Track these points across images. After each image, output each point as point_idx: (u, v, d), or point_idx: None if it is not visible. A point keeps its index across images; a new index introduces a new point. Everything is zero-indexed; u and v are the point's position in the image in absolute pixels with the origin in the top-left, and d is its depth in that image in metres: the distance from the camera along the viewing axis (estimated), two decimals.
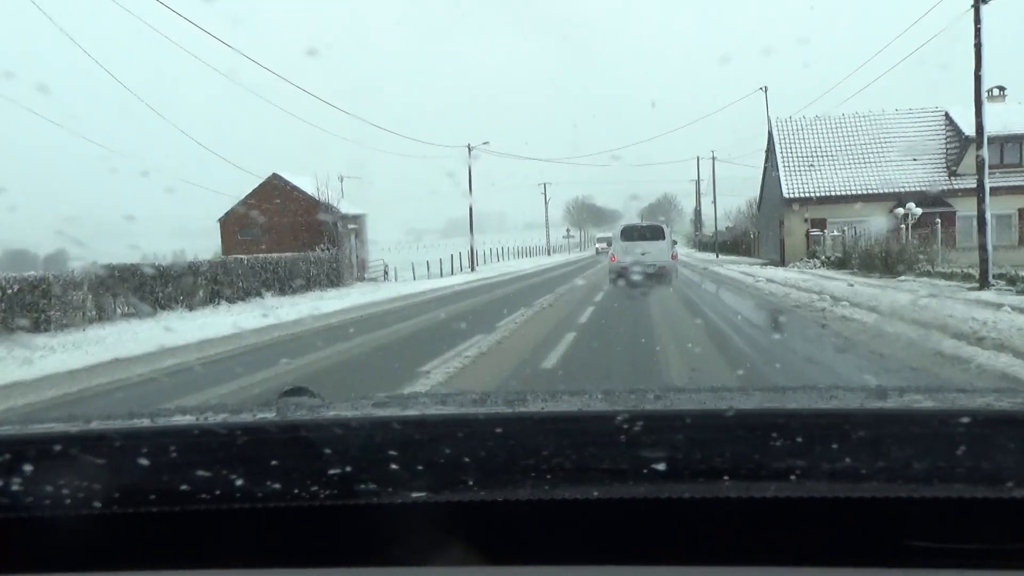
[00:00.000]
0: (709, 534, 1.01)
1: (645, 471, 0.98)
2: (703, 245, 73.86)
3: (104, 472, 1.02)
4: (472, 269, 51.60)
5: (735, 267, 34.16)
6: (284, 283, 29.70)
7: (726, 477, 0.98)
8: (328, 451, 1.03)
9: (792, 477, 0.97)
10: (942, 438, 0.98)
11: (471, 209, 56.12)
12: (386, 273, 42.90)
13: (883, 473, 0.96)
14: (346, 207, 39.02)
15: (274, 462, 1.02)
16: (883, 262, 24.28)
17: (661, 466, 0.97)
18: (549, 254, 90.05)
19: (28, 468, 1.02)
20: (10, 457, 1.04)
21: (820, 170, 38.01)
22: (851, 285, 19.03)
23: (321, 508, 1.01)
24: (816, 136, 39.14)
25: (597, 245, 79.68)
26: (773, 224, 41.53)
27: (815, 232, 34.54)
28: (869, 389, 1.42)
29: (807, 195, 37.48)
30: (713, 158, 55.20)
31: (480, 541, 1.03)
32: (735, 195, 71.66)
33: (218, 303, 25.21)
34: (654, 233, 25.69)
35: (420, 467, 1.00)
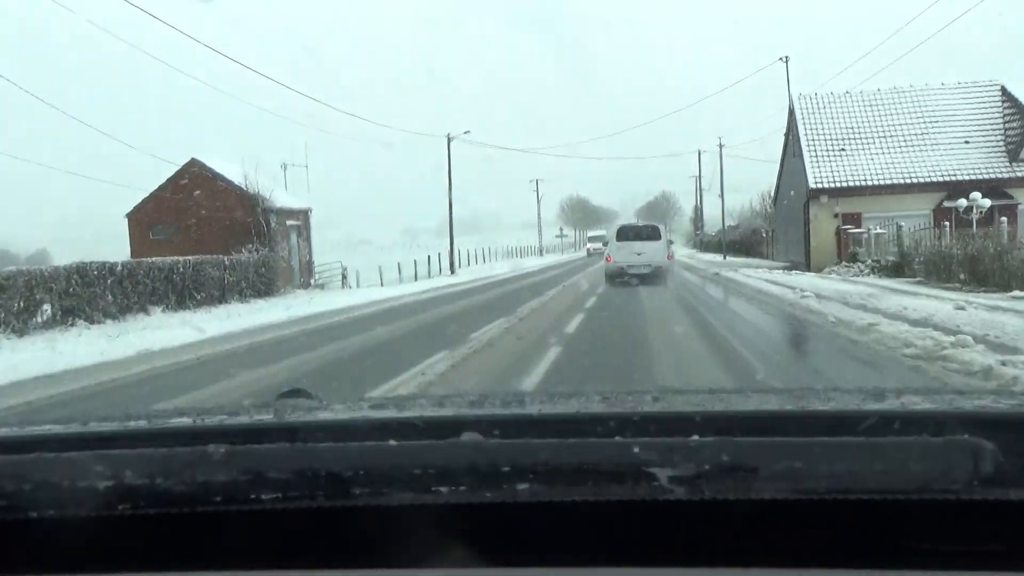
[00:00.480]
0: (708, 536, 1.00)
1: (644, 473, 0.94)
2: (705, 245, 66.57)
3: (101, 473, 0.98)
4: (452, 272, 45.19)
5: (753, 273, 27.09)
6: (185, 294, 22.79)
7: (725, 479, 0.94)
8: (326, 453, 1.00)
9: (791, 478, 0.93)
10: (939, 439, 0.95)
11: (450, 205, 49.82)
12: (344, 278, 36.05)
13: (881, 474, 0.92)
14: (289, 200, 32.06)
15: (272, 464, 0.98)
16: (968, 269, 17.28)
17: (659, 468, 0.94)
18: (541, 254, 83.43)
19: (27, 469, 1.00)
20: (9, 458, 1.03)
21: (852, 155, 31.03)
22: (961, 308, 11.97)
23: (319, 510, 0.99)
24: (847, 115, 32.14)
25: (589, 246, 71.49)
26: (794, 220, 34.52)
27: (855, 230, 27.49)
28: (866, 391, 1.37)
29: (838, 185, 30.48)
30: (720, 146, 48.17)
31: (478, 543, 1.00)
32: (741, 191, 64.85)
33: (72, 324, 18.32)
34: (650, 233, 24.81)
35: (417, 469, 0.96)
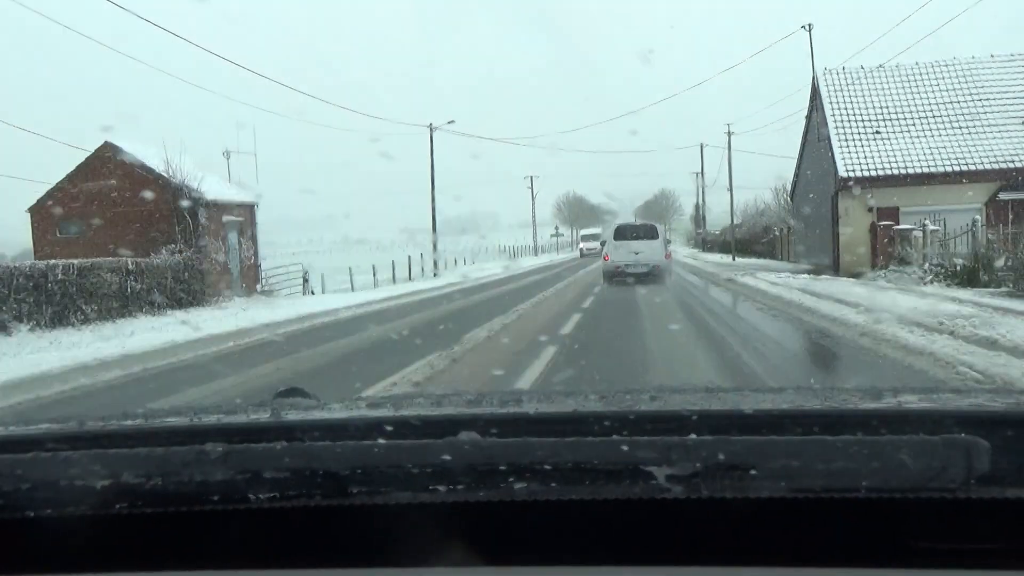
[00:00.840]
0: (707, 534, 0.98)
1: (641, 472, 0.93)
2: (708, 245, 61.21)
3: (99, 473, 0.96)
4: (435, 274, 40.41)
5: (776, 279, 21.92)
6: (67, 307, 17.74)
7: (722, 477, 0.93)
8: (323, 452, 0.98)
9: (788, 477, 0.92)
10: (936, 438, 0.92)
11: (433, 200, 45.29)
12: (306, 281, 31.17)
13: (879, 473, 0.90)
14: (229, 192, 27.01)
15: (269, 463, 0.96)
16: None
17: (656, 467, 0.92)
18: (536, 254, 78.33)
19: (26, 469, 0.98)
20: (8, 457, 1.00)
21: (889, 139, 25.93)
22: None
23: (317, 509, 0.98)
24: (881, 93, 27.00)
25: (582, 245, 65.16)
26: (816, 216, 29.41)
27: (903, 226, 22.34)
28: (863, 390, 1.35)
29: (872, 173, 25.37)
30: (729, 133, 43.03)
31: (476, 542, 0.99)
32: (746, 188, 59.58)
33: None
34: (648, 232, 24.31)
35: (415, 468, 0.95)
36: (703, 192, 63.15)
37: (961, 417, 0.97)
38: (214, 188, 25.18)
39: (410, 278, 36.44)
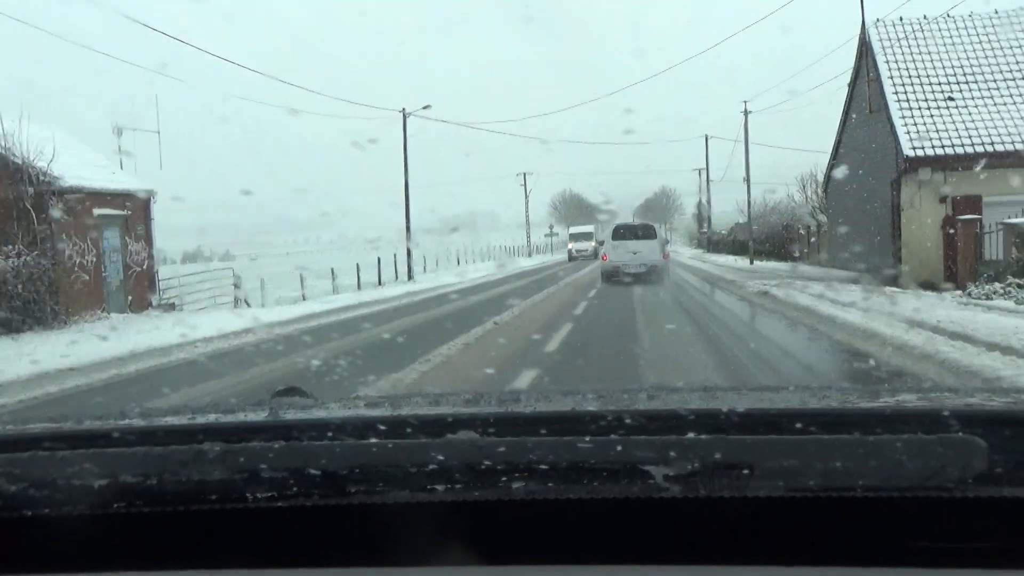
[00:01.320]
0: (703, 534, 0.97)
1: (639, 471, 0.92)
2: (714, 245, 54.60)
3: (96, 472, 0.95)
4: (410, 277, 35.42)
5: (831, 294, 15.16)
6: None
7: (720, 476, 0.92)
8: (321, 451, 0.98)
9: (785, 476, 0.91)
10: (933, 437, 0.91)
11: (407, 191, 39.25)
12: (237, 287, 24.95)
13: (877, 472, 0.89)
14: (110, 178, 20.45)
15: (267, 462, 0.95)
16: None
17: (654, 466, 0.91)
18: (530, 255, 71.87)
19: (23, 468, 0.96)
20: (6, 457, 0.99)
21: (967, 107, 19.39)
22: None
23: (315, 508, 0.96)
24: (952, 49, 20.44)
25: (571, 246, 57.05)
26: (862, 210, 22.80)
27: (1017, 220, 15.72)
28: (861, 389, 1.29)
29: (946, 151, 18.80)
30: (745, 112, 36.22)
31: (474, 541, 0.98)
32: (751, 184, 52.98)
33: None
34: (646, 232, 24.09)
35: (412, 467, 0.94)
36: (708, 187, 56.52)
37: (958, 416, 0.95)
38: (83, 172, 18.71)
39: (379, 283, 31.60)
